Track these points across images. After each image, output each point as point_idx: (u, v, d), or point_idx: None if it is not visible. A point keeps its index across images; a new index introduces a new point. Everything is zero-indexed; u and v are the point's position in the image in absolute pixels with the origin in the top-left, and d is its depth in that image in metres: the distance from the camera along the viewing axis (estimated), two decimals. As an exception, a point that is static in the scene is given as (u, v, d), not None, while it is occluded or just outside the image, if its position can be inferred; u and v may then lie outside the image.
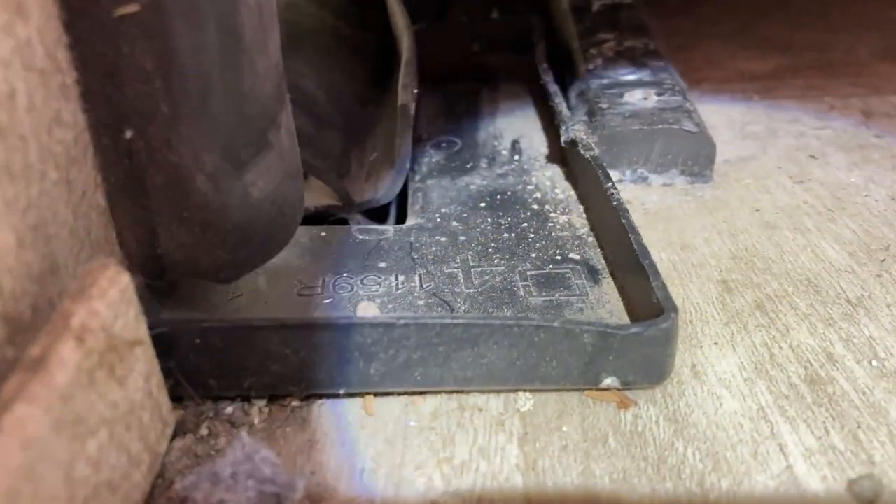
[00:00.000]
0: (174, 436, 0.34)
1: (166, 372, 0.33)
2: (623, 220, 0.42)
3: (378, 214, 0.53)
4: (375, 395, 0.36)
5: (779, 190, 0.53)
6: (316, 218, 0.50)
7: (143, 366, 0.31)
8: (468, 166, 0.55)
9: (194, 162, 0.31)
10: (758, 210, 0.51)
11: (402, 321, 0.34)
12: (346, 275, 0.43)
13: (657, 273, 0.38)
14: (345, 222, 0.50)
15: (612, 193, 0.44)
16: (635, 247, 0.40)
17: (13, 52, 0.27)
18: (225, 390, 0.35)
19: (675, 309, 0.35)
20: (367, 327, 0.34)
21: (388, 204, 0.54)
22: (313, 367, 0.35)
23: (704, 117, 0.56)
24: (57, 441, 0.25)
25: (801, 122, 0.62)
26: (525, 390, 0.37)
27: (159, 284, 0.36)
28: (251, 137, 0.33)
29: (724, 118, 0.63)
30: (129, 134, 0.31)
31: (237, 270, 0.35)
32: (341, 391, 0.36)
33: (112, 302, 0.29)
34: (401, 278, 0.43)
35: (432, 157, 0.57)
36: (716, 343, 0.40)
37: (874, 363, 0.38)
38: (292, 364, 0.34)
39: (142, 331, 0.31)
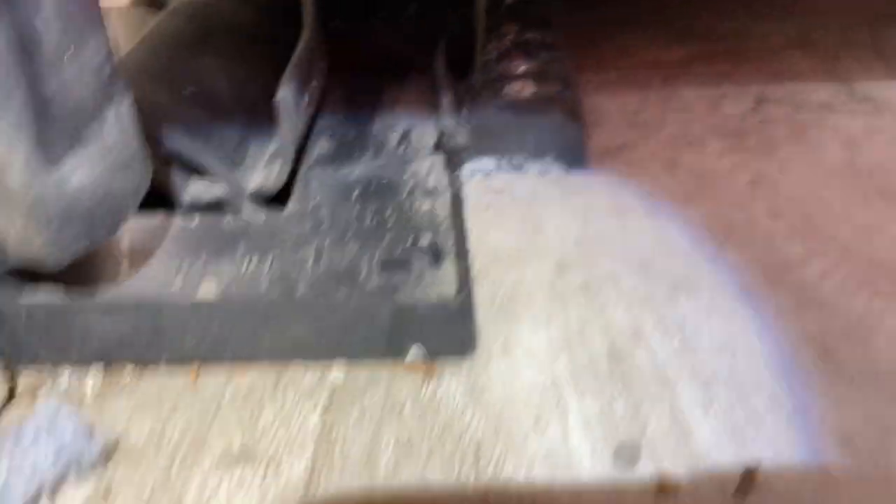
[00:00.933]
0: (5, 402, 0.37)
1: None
2: (457, 205, 0.44)
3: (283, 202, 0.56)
4: (198, 368, 0.40)
5: (646, 177, 0.55)
6: (209, 206, 0.53)
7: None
8: (354, 155, 0.58)
9: (7, 156, 0.35)
10: (618, 197, 0.53)
11: (203, 301, 0.37)
12: (203, 258, 0.46)
13: (465, 253, 0.40)
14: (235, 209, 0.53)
15: (453, 180, 0.47)
16: (458, 231, 0.42)
17: None
18: (56, 359, 0.38)
19: (469, 287, 0.38)
20: (169, 307, 0.37)
21: (283, 194, 0.56)
22: (132, 342, 0.38)
23: (600, 107, 0.58)
24: None
25: (691, 111, 0.64)
26: (337, 364, 0.39)
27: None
28: (64, 134, 0.36)
29: (617, 108, 0.65)
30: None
31: (62, 256, 0.38)
32: (161, 361, 0.39)
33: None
34: (254, 260, 0.46)
35: (322, 147, 0.60)
36: (533, 320, 0.42)
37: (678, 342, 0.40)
38: (114, 338, 0.37)
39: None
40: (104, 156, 0.38)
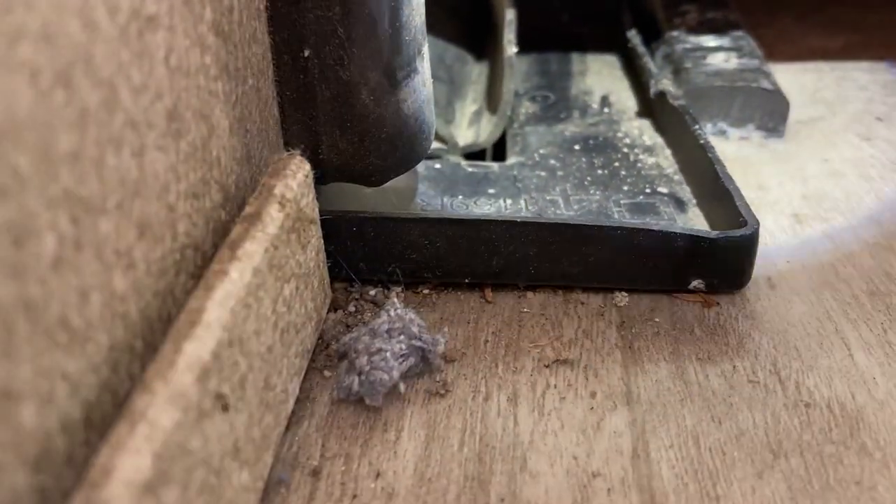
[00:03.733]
0: (328, 310, 0.41)
1: (327, 253, 0.40)
2: (710, 155, 0.47)
3: (476, 160, 0.60)
4: (493, 287, 0.43)
5: (846, 145, 0.58)
6: (427, 157, 0.56)
7: (316, 241, 0.38)
8: (562, 116, 0.61)
9: (361, 78, 0.38)
10: (826, 161, 0.56)
11: (522, 219, 0.40)
12: (461, 197, 0.49)
13: (741, 195, 0.43)
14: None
15: (700, 134, 0.50)
16: (720, 175, 0.45)
17: (231, -24, 0.34)
18: (372, 273, 0.42)
19: (756, 221, 0.41)
20: (494, 223, 0.40)
21: (484, 153, 0.60)
22: (445, 258, 0.41)
23: (779, 83, 0.61)
24: (269, 276, 0.32)
25: (868, 91, 0.67)
26: (622, 289, 0.43)
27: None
28: (405, 61, 0.39)
29: (796, 85, 0.68)
30: (306, 53, 0.38)
31: (384, 175, 0.42)
32: (466, 280, 0.42)
33: (300, 182, 0.36)
34: (508, 202, 0.49)
35: (528, 108, 0.63)
36: (788, 262, 0.45)
37: (929, 282, 0.43)
38: (429, 253, 0.41)
39: (316, 212, 0.38)
40: (422, 87, 0.41)
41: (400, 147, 0.41)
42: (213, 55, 0.32)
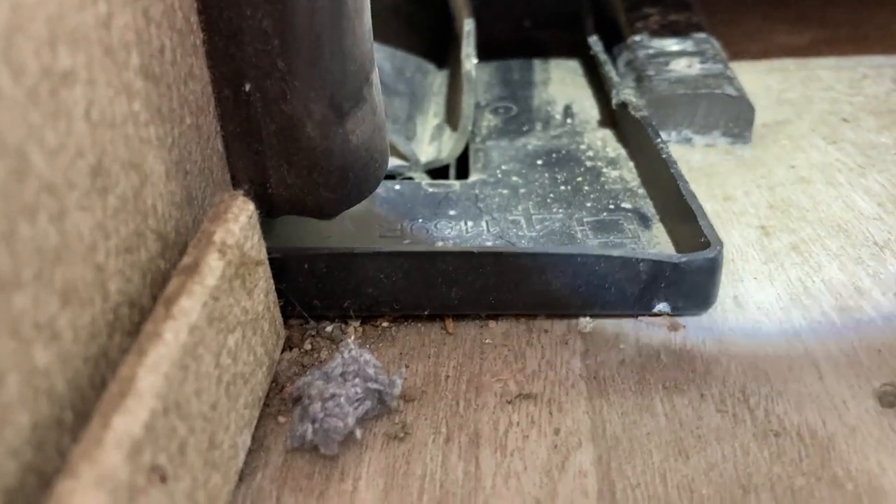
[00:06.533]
0: (283, 350, 0.39)
1: (277, 292, 0.38)
2: (672, 171, 0.46)
3: (439, 176, 0.58)
4: (454, 317, 0.42)
5: (812, 150, 0.58)
6: (387, 176, 0.55)
7: (264, 283, 0.36)
8: (524, 129, 0.60)
9: (305, 112, 0.37)
10: (793, 167, 0.55)
11: (480, 250, 0.39)
12: (420, 220, 0.48)
13: (704, 213, 0.42)
14: (411, 180, 0.55)
15: (662, 148, 0.49)
16: (684, 193, 0.44)
17: (162, 14, 0.33)
18: (327, 310, 0.40)
19: (720, 242, 0.40)
20: (450, 255, 0.39)
21: (447, 167, 0.59)
22: (402, 291, 0.40)
23: (743, 85, 0.60)
24: (210, 331, 0.30)
25: (834, 90, 0.66)
26: (585, 315, 0.42)
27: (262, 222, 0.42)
28: (351, 91, 0.38)
29: (761, 86, 0.67)
30: (247, 87, 0.37)
31: (336, 208, 0.40)
32: (425, 312, 0.41)
33: (243, 226, 0.34)
34: (469, 224, 0.48)
35: (490, 121, 0.62)
36: (755, 278, 0.44)
37: (898, 295, 0.43)
38: (385, 287, 0.40)
39: (263, 253, 0.36)
40: (371, 116, 0.40)
41: (351, 179, 0.39)
42: (142, 100, 0.30)
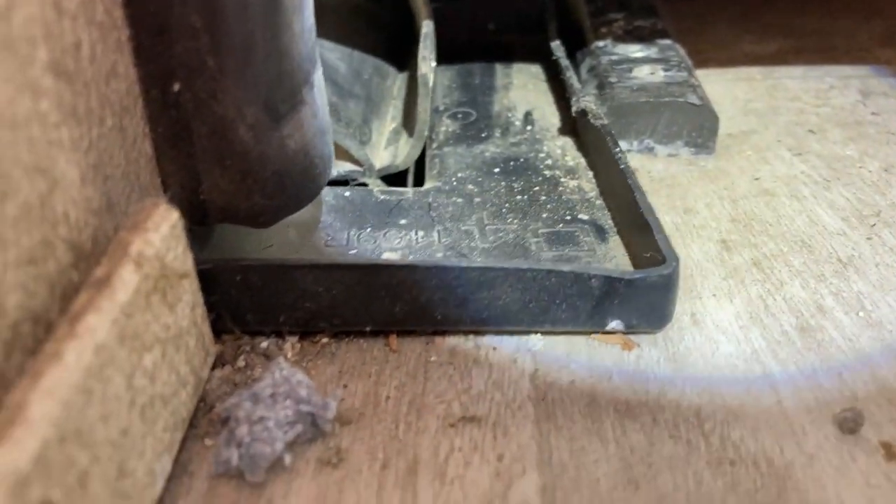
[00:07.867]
0: (214, 366, 0.37)
1: (208, 306, 0.36)
2: (629, 182, 0.44)
3: (396, 181, 0.56)
4: (398, 333, 0.39)
5: (777, 161, 0.56)
6: (339, 182, 0.53)
7: (190, 297, 0.34)
8: (483, 135, 0.58)
9: (237, 114, 0.34)
10: (757, 179, 0.54)
11: (424, 264, 0.37)
12: (369, 230, 0.46)
13: (660, 227, 0.40)
14: (365, 186, 0.53)
15: (620, 158, 0.47)
16: (640, 205, 0.42)
17: (78, 7, 0.30)
18: (261, 325, 0.38)
19: (676, 258, 0.38)
20: (394, 268, 0.37)
21: (405, 172, 0.56)
22: (342, 305, 0.38)
23: (709, 94, 0.59)
24: (120, 350, 0.28)
25: (801, 101, 0.65)
26: (536, 332, 0.39)
27: (198, 230, 0.39)
28: (288, 93, 0.36)
29: (727, 95, 0.66)
30: (176, 87, 0.34)
31: (273, 216, 0.38)
32: (367, 328, 0.39)
33: (164, 235, 0.32)
34: (420, 234, 0.46)
35: (448, 126, 0.60)
36: (714, 295, 0.43)
37: (861, 314, 0.41)
38: (324, 302, 0.37)
39: (189, 264, 0.34)
40: (312, 119, 0.38)
41: (288, 185, 0.37)
42: (52, 99, 0.28)
